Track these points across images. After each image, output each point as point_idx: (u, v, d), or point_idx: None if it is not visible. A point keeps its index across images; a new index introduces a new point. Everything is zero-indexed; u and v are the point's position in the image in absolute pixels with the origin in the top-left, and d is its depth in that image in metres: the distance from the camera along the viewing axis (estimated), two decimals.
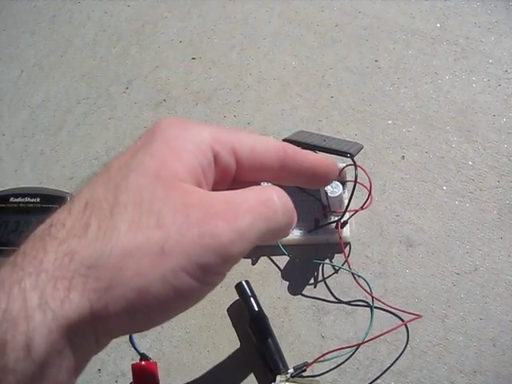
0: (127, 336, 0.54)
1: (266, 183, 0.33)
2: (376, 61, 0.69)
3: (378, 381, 0.50)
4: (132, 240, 0.24)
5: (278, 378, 0.48)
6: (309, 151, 0.33)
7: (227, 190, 0.29)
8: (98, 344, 0.26)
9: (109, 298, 0.24)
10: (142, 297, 0.24)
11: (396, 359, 0.50)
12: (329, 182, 0.36)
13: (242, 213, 0.27)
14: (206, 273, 0.26)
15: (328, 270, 0.55)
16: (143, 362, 0.51)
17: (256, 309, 0.52)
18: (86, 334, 0.24)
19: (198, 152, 0.28)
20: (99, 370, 0.53)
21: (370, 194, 0.53)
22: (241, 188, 0.29)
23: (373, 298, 0.52)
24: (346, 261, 0.54)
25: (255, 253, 0.57)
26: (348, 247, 0.56)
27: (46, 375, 0.23)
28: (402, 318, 0.52)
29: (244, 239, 0.26)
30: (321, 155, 0.34)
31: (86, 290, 0.24)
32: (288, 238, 0.55)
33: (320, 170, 0.33)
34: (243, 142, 0.30)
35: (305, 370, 0.50)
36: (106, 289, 0.24)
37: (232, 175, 0.30)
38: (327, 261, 0.56)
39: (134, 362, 0.51)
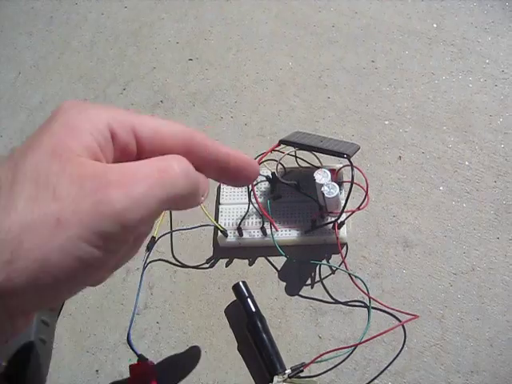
0: (125, 337, 0.54)
1: None
2: (373, 61, 0.69)
3: (376, 381, 0.49)
4: (29, 214, 0.25)
5: (276, 378, 0.48)
6: (225, 146, 0.33)
7: None
8: (12, 323, 0.27)
9: (11, 271, 0.25)
10: (45, 268, 0.25)
11: (393, 359, 0.50)
12: (247, 181, 0.36)
13: (136, 180, 0.27)
14: (106, 240, 0.26)
15: (325, 270, 0.55)
16: (141, 364, 0.51)
17: (253, 309, 0.52)
18: None
19: (94, 130, 0.28)
20: (97, 371, 0.53)
21: (366, 194, 0.53)
22: None
23: (370, 298, 0.52)
24: (342, 261, 0.54)
25: (252, 254, 0.57)
26: (345, 248, 0.56)
27: None
28: (399, 318, 0.52)
29: (140, 206, 0.27)
30: (240, 151, 0.34)
31: None
32: (285, 238, 0.55)
33: (234, 164, 0.33)
34: (145, 123, 0.31)
35: (302, 371, 0.50)
36: (7, 262, 0.25)
37: (133, 155, 0.31)
38: (324, 261, 0.56)
39: (132, 363, 0.51)
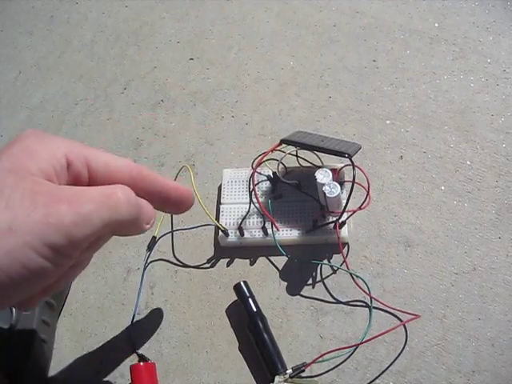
0: (125, 337, 0.54)
1: None
2: (374, 61, 0.69)
3: (377, 381, 0.49)
4: None
5: (277, 378, 0.48)
6: (166, 178, 0.38)
7: None
8: None
9: None
10: None
11: (394, 359, 0.50)
12: (183, 209, 0.41)
13: (84, 201, 0.30)
14: (54, 252, 0.29)
15: (326, 270, 0.55)
16: (142, 363, 0.51)
17: (254, 309, 0.52)
18: None
19: (51, 157, 0.32)
20: (98, 371, 0.53)
21: (368, 194, 0.53)
22: None
23: (371, 298, 0.52)
24: (344, 261, 0.54)
25: (253, 253, 0.57)
26: (346, 247, 0.56)
27: None
28: (401, 318, 0.52)
29: (87, 223, 0.30)
30: (176, 183, 0.40)
31: None
32: (286, 238, 0.55)
33: (174, 194, 0.39)
34: (97, 156, 0.34)
35: (303, 371, 0.50)
36: None
37: (85, 184, 0.34)
38: (325, 261, 0.56)
39: (133, 363, 0.51)
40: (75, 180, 0.33)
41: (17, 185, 0.29)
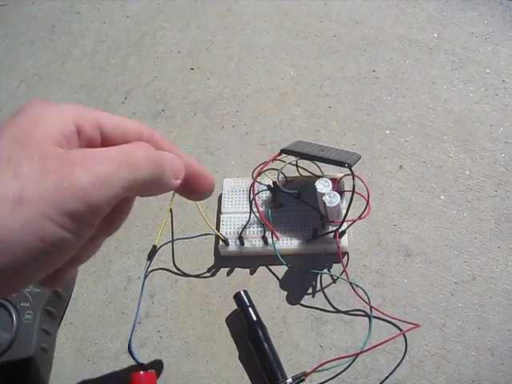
0: (126, 346, 0.54)
1: None
2: (374, 71, 0.70)
3: None
4: None
5: None
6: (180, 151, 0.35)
7: None
8: None
9: None
10: (6, 246, 0.25)
11: (394, 369, 0.50)
12: (201, 191, 0.37)
13: (100, 160, 0.27)
14: (73, 220, 0.26)
15: (326, 279, 0.55)
16: (142, 373, 0.51)
17: (254, 318, 0.52)
18: None
19: (59, 123, 0.29)
20: (98, 380, 0.53)
21: (367, 203, 0.53)
22: None
23: (371, 307, 0.52)
24: (344, 270, 0.54)
25: (253, 263, 0.57)
26: (346, 257, 0.56)
27: None
28: (400, 327, 0.52)
29: (106, 185, 0.27)
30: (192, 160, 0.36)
31: None
32: (286, 247, 0.55)
33: (188, 170, 0.35)
34: (108, 118, 0.31)
35: (303, 380, 0.50)
36: None
37: (98, 147, 0.31)
38: (325, 270, 0.56)
39: (133, 372, 0.51)
40: (88, 145, 0.30)
41: (25, 153, 0.26)
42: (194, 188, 0.36)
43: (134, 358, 0.53)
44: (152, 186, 0.31)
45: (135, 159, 0.29)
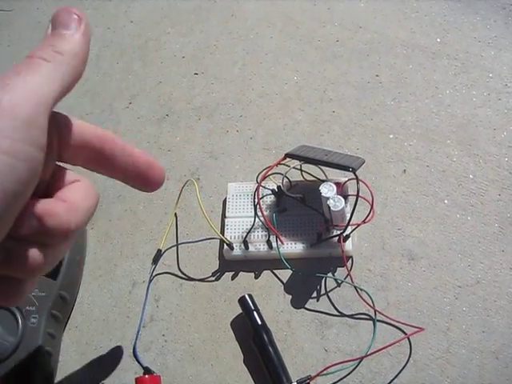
0: (131, 350, 0.54)
1: None
2: (377, 75, 0.70)
3: None
4: None
5: None
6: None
7: None
8: None
9: None
10: None
11: (399, 372, 0.50)
12: (152, 182, 0.37)
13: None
14: (11, 140, 0.25)
15: (330, 283, 0.56)
16: (147, 376, 0.51)
17: (259, 322, 0.52)
18: None
19: None
20: (103, 383, 0.53)
21: (371, 207, 0.53)
22: None
23: (375, 311, 0.53)
24: (348, 274, 0.55)
25: (258, 267, 0.57)
26: (350, 261, 0.56)
27: None
28: (405, 331, 0.52)
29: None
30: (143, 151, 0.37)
31: None
32: (291, 251, 0.56)
33: (143, 160, 0.37)
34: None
35: None
36: None
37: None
38: (330, 274, 0.56)
39: (138, 375, 0.52)
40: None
41: None
42: (143, 178, 0.37)
43: (138, 362, 0.54)
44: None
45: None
